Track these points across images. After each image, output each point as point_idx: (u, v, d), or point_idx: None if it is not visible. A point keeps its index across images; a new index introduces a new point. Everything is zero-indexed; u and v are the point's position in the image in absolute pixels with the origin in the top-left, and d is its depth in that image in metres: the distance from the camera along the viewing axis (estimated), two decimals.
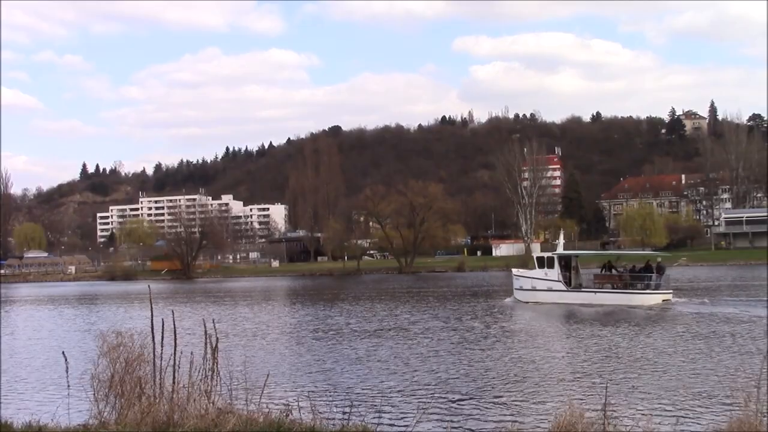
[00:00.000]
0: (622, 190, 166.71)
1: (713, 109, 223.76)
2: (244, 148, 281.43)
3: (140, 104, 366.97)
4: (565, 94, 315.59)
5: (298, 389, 18.07)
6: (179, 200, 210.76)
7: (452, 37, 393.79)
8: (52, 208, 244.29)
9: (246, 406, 10.51)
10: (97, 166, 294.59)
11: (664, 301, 39.07)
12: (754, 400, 9.44)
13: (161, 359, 10.71)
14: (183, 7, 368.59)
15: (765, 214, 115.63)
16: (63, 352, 14.12)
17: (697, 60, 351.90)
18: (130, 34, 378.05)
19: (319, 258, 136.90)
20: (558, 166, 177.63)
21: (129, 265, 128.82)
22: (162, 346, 10.67)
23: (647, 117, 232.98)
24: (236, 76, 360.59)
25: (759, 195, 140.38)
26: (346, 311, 42.80)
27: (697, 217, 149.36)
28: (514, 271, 47.15)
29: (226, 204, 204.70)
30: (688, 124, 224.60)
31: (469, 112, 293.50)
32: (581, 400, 15.00)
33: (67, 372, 11.98)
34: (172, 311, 11.93)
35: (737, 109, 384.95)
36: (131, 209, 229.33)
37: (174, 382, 10.55)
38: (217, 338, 10.95)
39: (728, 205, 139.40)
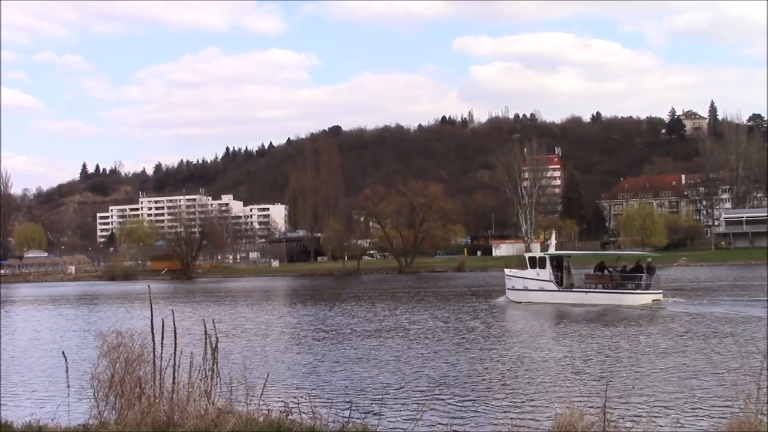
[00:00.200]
0: (622, 190, 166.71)
1: (713, 109, 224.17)
2: (244, 148, 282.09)
3: (140, 104, 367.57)
4: (565, 94, 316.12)
5: (298, 389, 18.07)
6: (179, 200, 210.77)
7: (452, 37, 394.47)
8: (52, 208, 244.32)
9: (246, 406, 10.51)
10: (97, 166, 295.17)
11: (654, 301, 39.38)
12: (754, 400, 9.44)
13: (161, 359, 10.71)
14: (183, 7, 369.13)
15: (765, 214, 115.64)
16: (63, 352, 14.13)
17: (697, 60, 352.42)
18: (130, 34, 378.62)
19: (319, 258, 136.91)
20: (558, 166, 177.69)
21: (129, 265, 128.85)
22: (162, 346, 10.67)
23: (647, 117, 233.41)
24: (236, 76, 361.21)
25: (759, 195, 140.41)
26: (346, 311, 42.81)
27: (697, 217, 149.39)
28: (507, 271, 47.36)
29: (226, 204, 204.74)
30: (688, 124, 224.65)
31: (469, 112, 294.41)
32: (581, 400, 15.00)
33: (67, 372, 11.97)
34: (172, 311, 11.93)
35: (737, 109, 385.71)
36: (131, 209, 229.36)
37: (174, 382, 10.55)
38: (217, 338, 10.95)
39: (728, 205, 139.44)
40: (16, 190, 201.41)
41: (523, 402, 16.58)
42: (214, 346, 10.83)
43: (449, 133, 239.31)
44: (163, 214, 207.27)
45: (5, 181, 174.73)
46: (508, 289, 45.16)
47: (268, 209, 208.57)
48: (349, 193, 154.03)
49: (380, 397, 16.66)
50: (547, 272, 42.75)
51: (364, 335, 30.39)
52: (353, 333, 31.34)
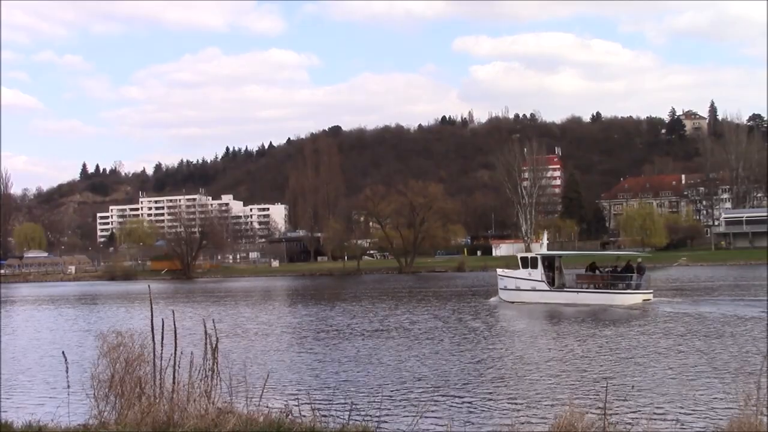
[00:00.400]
0: (622, 190, 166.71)
1: (713, 109, 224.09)
2: (244, 148, 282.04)
3: (140, 104, 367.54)
4: (565, 94, 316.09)
5: (298, 389, 18.07)
6: (179, 200, 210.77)
7: (452, 37, 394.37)
8: (52, 208, 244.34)
9: (246, 406, 10.51)
10: (97, 166, 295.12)
11: (644, 300, 39.64)
12: (754, 400, 9.44)
13: (161, 359, 10.71)
14: (183, 7, 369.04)
15: (765, 214, 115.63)
16: (63, 352, 14.12)
17: (697, 60, 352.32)
18: (130, 34, 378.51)
19: (319, 258, 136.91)
20: (558, 166, 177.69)
21: (129, 265, 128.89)
22: (162, 346, 10.67)
23: (647, 117, 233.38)
24: (236, 76, 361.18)
25: (759, 195, 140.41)
26: (346, 311, 42.82)
27: (697, 217, 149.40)
28: (499, 271, 47.66)
29: (226, 204, 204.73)
30: (688, 124, 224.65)
31: (469, 112, 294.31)
32: (581, 400, 15.00)
33: (67, 372, 11.97)
34: (172, 311, 11.93)
35: (737, 109, 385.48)
36: (131, 209, 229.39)
37: (174, 382, 10.55)
38: (217, 338, 10.95)
39: (728, 205, 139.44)
40: (16, 190, 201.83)
41: (523, 402, 16.58)
42: (214, 346, 10.83)
43: (449, 133, 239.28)
44: (163, 214, 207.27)
45: (5, 181, 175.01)
46: (501, 289, 45.51)
47: (268, 209, 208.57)
48: (349, 193, 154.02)
49: (380, 397, 16.66)
50: (538, 272, 43.08)
51: (364, 335, 30.39)
52: (353, 333, 31.35)
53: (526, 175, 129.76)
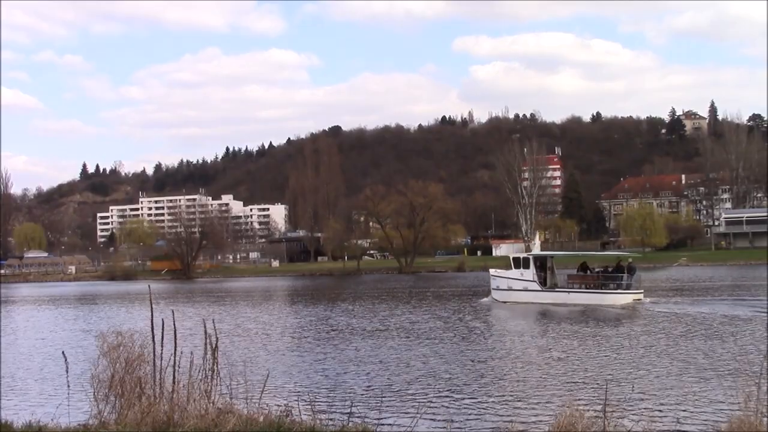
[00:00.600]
0: (622, 190, 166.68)
1: (713, 109, 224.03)
2: (244, 148, 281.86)
3: (140, 104, 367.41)
4: (565, 94, 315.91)
5: (298, 389, 18.07)
6: (179, 200, 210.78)
7: (452, 37, 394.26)
8: (52, 208, 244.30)
9: (246, 406, 10.51)
10: (97, 166, 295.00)
11: (634, 300, 39.95)
12: (754, 400, 9.44)
13: (161, 359, 10.71)
14: (183, 7, 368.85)
15: (765, 214, 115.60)
16: (63, 352, 14.12)
17: (697, 60, 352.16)
18: (130, 34, 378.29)
19: (319, 258, 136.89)
20: (558, 166, 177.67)
21: (129, 265, 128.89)
22: (162, 346, 10.66)
23: (647, 117, 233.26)
24: (236, 76, 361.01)
25: (759, 195, 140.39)
26: (346, 311, 42.85)
27: (697, 217, 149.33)
28: (492, 271, 47.97)
29: (226, 204, 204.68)
30: (688, 124, 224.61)
31: (469, 112, 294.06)
32: (581, 400, 15.00)
33: (67, 372, 11.97)
34: (172, 311, 11.93)
35: (737, 109, 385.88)
36: (131, 209, 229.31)
37: (174, 382, 10.55)
38: (217, 338, 10.94)
39: (728, 205, 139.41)
40: (16, 190, 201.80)
41: (523, 402, 16.58)
42: (214, 346, 10.83)
43: (449, 133, 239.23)
44: (163, 214, 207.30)
45: (5, 181, 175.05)
46: (493, 289, 45.86)
47: (268, 209, 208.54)
48: (349, 193, 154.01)
49: (380, 397, 16.66)
50: (530, 272, 43.45)
51: (364, 335, 30.40)
52: (353, 333, 31.36)
53: (526, 175, 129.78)
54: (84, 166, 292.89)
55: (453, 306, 43.99)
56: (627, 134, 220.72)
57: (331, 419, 10.69)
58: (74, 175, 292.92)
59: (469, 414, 15.59)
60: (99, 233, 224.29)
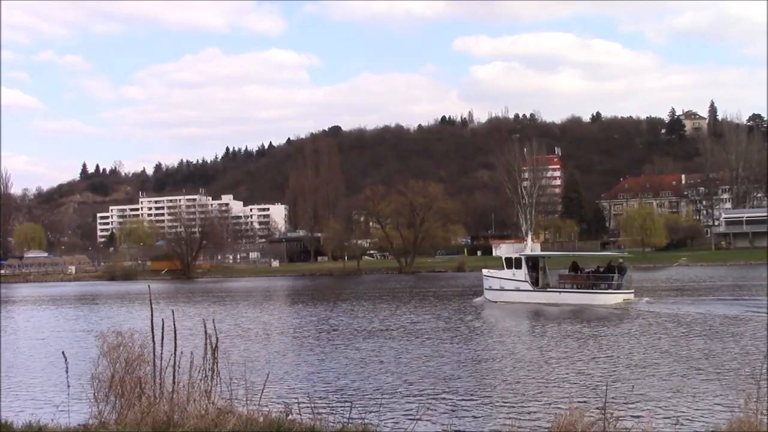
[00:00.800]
0: (622, 190, 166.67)
1: (713, 109, 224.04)
2: (244, 148, 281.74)
3: (140, 104, 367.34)
4: (565, 94, 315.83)
5: (298, 389, 18.08)
6: (179, 200, 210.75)
7: (452, 37, 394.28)
8: (52, 208, 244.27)
9: (246, 406, 10.51)
10: (97, 166, 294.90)
11: (624, 300, 40.30)
12: (754, 400, 9.44)
13: (161, 359, 10.70)
14: (183, 7, 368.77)
15: (765, 214, 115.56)
16: (63, 352, 14.12)
17: (697, 60, 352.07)
18: (130, 34, 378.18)
19: (319, 258, 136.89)
20: (558, 166, 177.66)
21: (129, 265, 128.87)
22: (162, 346, 10.66)
23: (647, 117, 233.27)
24: (236, 76, 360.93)
25: (759, 195, 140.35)
26: (346, 311, 42.88)
27: (697, 217, 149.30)
28: (484, 271, 48.42)
29: (226, 204, 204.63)
30: (688, 124, 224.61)
31: (469, 112, 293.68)
32: (581, 400, 15.00)
33: (67, 372, 11.96)
34: (173, 311, 11.93)
35: (737, 109, 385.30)
36: (131, 209, 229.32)
37: (174, 382, 10.55)
38: (217, 338, 10.94)
39: (728, 205, 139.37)
40: (16, 190, 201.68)
41: (523, 402, 16.58)
42: (214, 346, 10.82)
43: (449, 133, 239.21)
44: (163, 214, 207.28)
45: (5, 181, 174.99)
46: (486, 289, 46.23)
47: (268, 209, 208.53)
48: (349, 193, 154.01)
49: (380, 397, 16.66)
50: (522, 272, 43.87)
51: (364, 335, 30.41)
52: (353, 333, 31.36)
53: (526, 175, 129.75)
54: (84, 166, 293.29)
55: (449, 306, 44.11)
56: (627, 134, 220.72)
57: (331, 419, 10.67)
58: (74, 175, 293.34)
59: (469, 414, 15.59)
60: (99, 233, 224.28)
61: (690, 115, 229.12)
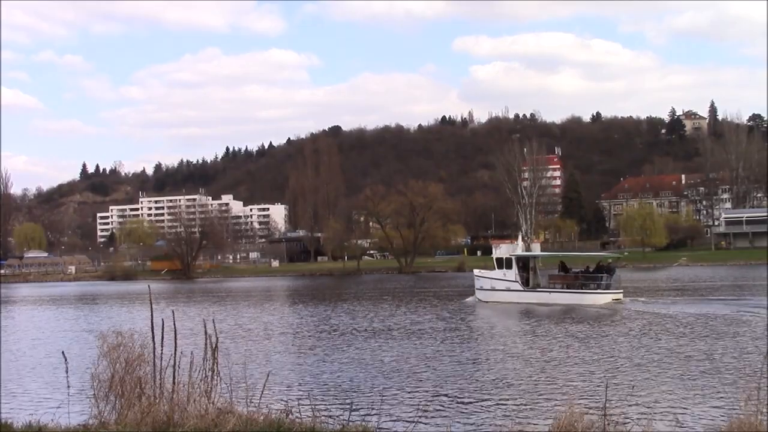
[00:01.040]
0: (622, 190, 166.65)
1: (713, 109, 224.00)
2: (244, 148, 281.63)
3: (140, 104, 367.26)
4: (565, 94, 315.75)
5: (298, 389, 18.08)
6: (179, 200, 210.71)
7: (452, 37, 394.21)
8: (52, 208, 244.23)
9: (246, 406, 10.51)
10: (97, 166, 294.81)
11: (614, 300, 40.62)
12: (754, 400, 9.44)
13: (161, 359, 10.70)
14: (183, 7, 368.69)
15: (765, 214, 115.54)
16: (63, 352, 14.12)
17: (697, 60, 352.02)
18: (130, 34, 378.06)
19: (319, 258, 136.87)
20: (558, 166, 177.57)
21: (129, 265, 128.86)
22: (162, 346, 10.66)
23: (647, 117, 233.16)
24: (236, 76, 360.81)
25: (759, 195, 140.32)
26: (346, 311, 42.89)
27: (697, 217, 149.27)
28: (475, 271, 48.83)
29: (226, 204, 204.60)
30: (688, 124, 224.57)
31: (469, 112, 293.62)
32: (581, 400, 15.00)
33: (67, 372, 11.97)
34: (173, 311, 11.93)
35: (737, 109, 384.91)
36: (131, 209, 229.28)
37: (174, 382, 10.55)
38: (217, 338, 10.94)
39: (728, 205, 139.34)
40: (16, 190, 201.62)
41: (522, 402, 16.58)
42: (214, 346, 10.82)
43: (449, 133, 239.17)
44: (163, 214, 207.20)
45: (5, 181, 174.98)
46: (477, 289, 46.54)
47: (268, 209, 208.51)
48: (349, 193, 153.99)
49: (380, 397, 16.66)
50: (513, 273, 44.21)
51: (364, 335, 30.41)
52: (353, 333, 31.36)
53: (526, 175, 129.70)
54: (84, 166, 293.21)
55: (449, 306, 44.18)
56: (627, 134, 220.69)
57: (331, 419, 10.68)
58: (74, 175, 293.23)
59: (469, 414, 15.60)
60: (99, 233, 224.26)
61: (690, 115, 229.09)
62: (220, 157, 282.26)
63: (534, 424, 13.97)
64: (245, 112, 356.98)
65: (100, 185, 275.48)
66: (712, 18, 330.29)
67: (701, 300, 41.75)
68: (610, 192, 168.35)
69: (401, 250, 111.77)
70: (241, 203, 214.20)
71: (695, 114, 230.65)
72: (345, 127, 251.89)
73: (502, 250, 47.37)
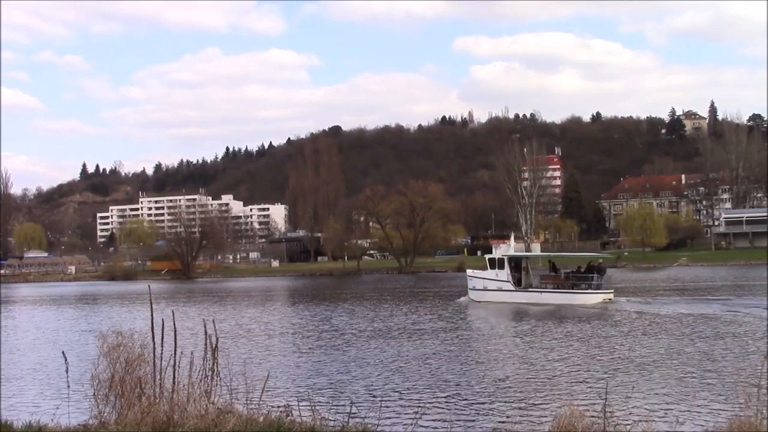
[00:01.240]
0: (622, 190, 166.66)
1: (713, 109, 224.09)
2: (244, 148, 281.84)
3: (140, 104, 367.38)
4: (565, 94, 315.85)
5: (298, 389, 18.07)
6: (179, 200, 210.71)
7: (452, 37, 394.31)
8: (52, 208, 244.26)
9: (246, 406, 10.51)
10: (97, 166, 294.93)
11: (604, 300, 40.93)
12: (754, 400, 9.44)
13: (161, 359, 10.70)
14: (183, 7, 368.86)
15: (765, 214, 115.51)
16: (63, 352, 14.12)
17: (697, 60, 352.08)
18: (130, 34, 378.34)
19: (319, 258, 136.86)
20: (558, 166, 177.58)
21: (129, 265, 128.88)
22: (162, 346, 10.66)
23: (647, 117, 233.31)
24: (236, 76, 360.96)
25: (759, 195, 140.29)
26: (346, 311, 42.89)
27: (697, 217, 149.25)
28: (468, 271, 49.20)
29: (226, 204, 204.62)
30: (688, 124, 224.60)
31: (469, 112, 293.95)
32: (581, 400, 15.00)
33: (67, 372, 11.96)
34: (173, 311, 11.93)
35: (737, 109, 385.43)
36: (131, 209, 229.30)
37: (174, 382, 10.54)
38: (217, 338, 10.94)
39: (728, 205, 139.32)
40: (16, 190, 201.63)
41: (522, 402, 16.58)
42: (214, 346, 10.82)
43: (449, 133, 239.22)
44: (163, 214, 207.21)
45: (5, 181, 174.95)
46: (470, 289, 46.76)
47: (268, 209, 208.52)
48: (349, 193, 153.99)
49: (380, 397, 16.66)
50: (505, 273, 44.46)
51: (364, 335, 30.40)
52: (353, 333, 31.35)
53: (526, 175, 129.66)
54: (84, 166, 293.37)
55: (449, 306, 44.27)
56: (627, 134, 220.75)
57: (331, 419, 10.67)
58: (74, 175, 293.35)
59: (469, 414, 15.60)
60: (99, 233, 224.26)
61: (690, 115, 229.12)
62: (220, 157, 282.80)
63: (534, 424, 13.97)
64: (245, 112, 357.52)
65: (100, 185, 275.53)
66: (712, 18, 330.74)
67: (697, 300, 41.81)
68: (610, 192, 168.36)
69: (401, 250, 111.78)
70: (241, 203, 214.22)
71: (695, 114, 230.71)
72: (345, 127, 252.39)
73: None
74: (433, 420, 14.80)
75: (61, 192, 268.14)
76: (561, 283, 43.44)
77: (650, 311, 35.87)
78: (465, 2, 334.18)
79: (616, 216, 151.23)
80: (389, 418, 14.77)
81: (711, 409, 15.07)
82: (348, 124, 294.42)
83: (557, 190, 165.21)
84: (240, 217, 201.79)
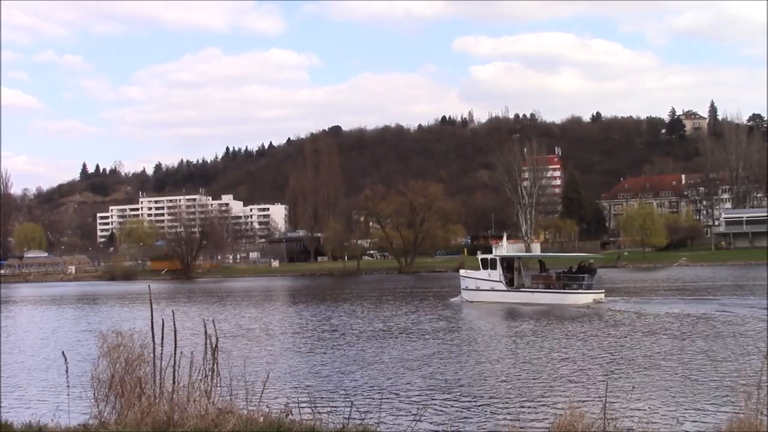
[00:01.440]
0: (622, 190, 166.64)
1: (713, 109, 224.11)
2: (244, 148, 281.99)
3: (140, 104, 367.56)
4: (565, 94, 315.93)
5: (298, 389, 18.07)
6: (179, 200, 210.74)
7: (452, 37, 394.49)
8: (52, 208, 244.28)
9: (246, 406, 10.51)
10: (97, 166, 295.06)
11: (594, 300, 41.12)
12: (754, 400, 9.44)
13: (161, 359, 10.70)
14: (183, 7, 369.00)
15: (765, 214, 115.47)
16: (63, 352, 14.12)
17: (697, 60, 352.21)
18: (130, 34, 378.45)
19: (319, 258, 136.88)
20: (558, 166, 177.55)
21: (129, 265, 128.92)
22: (162, 346, 10.66)
23: (647, 117, 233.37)
24: (236, 76, 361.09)
25: (759, 195, 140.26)
26: (346, 311, 42.89)
27: (697, 217, 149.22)
28: (461, 272, 49.58)
29: (226, 204, 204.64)
30: (688, 124, 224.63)
31: (469, 112, 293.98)
32: (581, 400, 15.00)
33: (67, 372, 11.97)
34: (173, 311, 11.93)
35: (737, 109, 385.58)
36: (131, 209, 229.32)
37: (174, 382, 10.54)
38: (217, 338, 10.94)
39: (728, 205, 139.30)
40: (16, 190, 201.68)
41: (523, 402, 16.58)
42: (214, 346, 10.82)
43: (449, 133, 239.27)
44: (163, 214, 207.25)
45: (5, 181, 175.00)
46: (463, 289, 46.95)
47: (268, 209, 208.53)
48: (349, 193, 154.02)
49: (380, 397, 16.65)
50: (497, 273, 44.66)
51: (364, 335, 30.40)
52: (353, 333, 31.35)
53: (526, 175, 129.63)
54: (84, 166, 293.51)
55: (449, 306, 44.29)
56: (627, 134, 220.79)
57: (331, 419, 10.67)
58: (74, 175, 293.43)
59: (469, 414, 15.59)
60: (99, 233, 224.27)
61: (690, 115, 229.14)
62: (220, 157, 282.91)
63: (534, 424, 13.97)
64: (245, 112, 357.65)
65: (100, 185, 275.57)
66: (712, 18, 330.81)
67: (694, 300, 41.84)
68: (610, 192, 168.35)
69: (401, 250, 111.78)
70: (241, 203, 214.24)
71: (695, 114, 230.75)
72: (345, 127, 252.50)
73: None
74: (433, 420, 14.80)
75: (61, 192, 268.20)
76: (552, 283, 43.74)
77: (641, 311, 35.91)
78: (465, 2, 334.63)
79: (616, 216, 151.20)
80: (389, 418, 14.77)
81: (711, 409, 15.07)
82: (348, 124, 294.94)
83: (557, 190, 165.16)
84: (240, 217, 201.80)
